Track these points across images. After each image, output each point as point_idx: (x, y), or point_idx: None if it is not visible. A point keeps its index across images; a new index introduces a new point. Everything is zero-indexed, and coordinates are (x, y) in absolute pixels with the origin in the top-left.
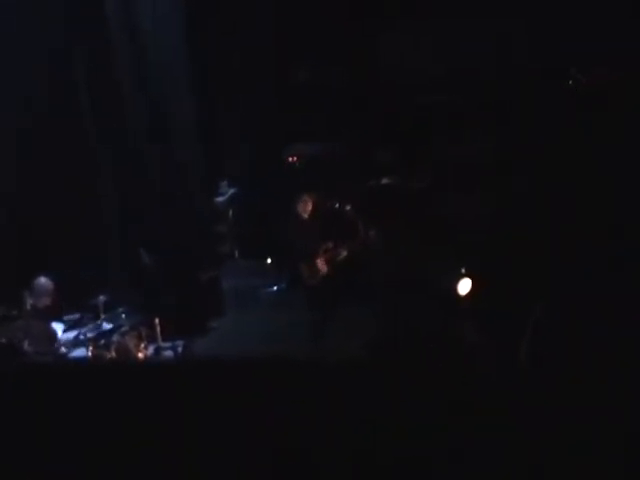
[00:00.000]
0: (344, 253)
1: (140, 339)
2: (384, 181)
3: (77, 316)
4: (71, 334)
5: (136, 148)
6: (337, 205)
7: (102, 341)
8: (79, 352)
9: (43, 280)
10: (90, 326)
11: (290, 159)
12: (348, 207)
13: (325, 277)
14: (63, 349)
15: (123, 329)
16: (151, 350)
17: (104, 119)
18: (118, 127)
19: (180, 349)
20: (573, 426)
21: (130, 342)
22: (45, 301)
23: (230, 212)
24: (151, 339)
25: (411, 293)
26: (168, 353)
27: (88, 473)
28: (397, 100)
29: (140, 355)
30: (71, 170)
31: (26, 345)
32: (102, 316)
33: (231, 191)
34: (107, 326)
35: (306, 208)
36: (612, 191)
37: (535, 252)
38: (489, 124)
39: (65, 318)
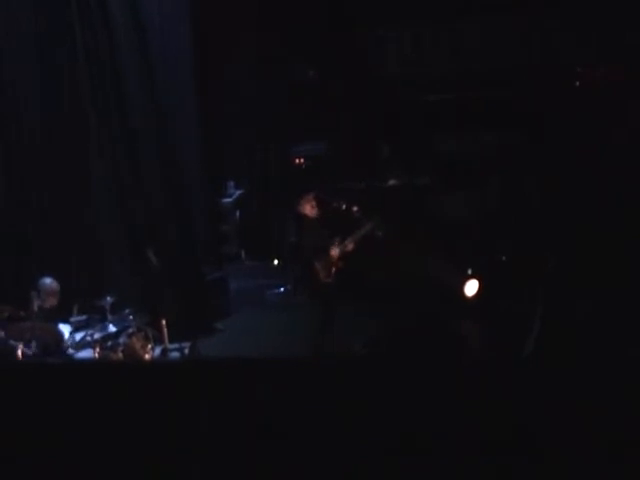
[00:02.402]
0: (351, 246)
1: (147, 340)
2: (391, 182)
3: (84, 317)
4: (78, 335)
5: (142, 149)
6: (344, 206)
7: (109, 343)
8: (86, 353)
9: (49, 281)
10: (97, 327)
11: (297, 160)
12: (355, 208)
13: (338, 273)
14: (70, 350)
15: (130, 330)
16: (158, 351)
17: (108, 119)
18: (122, 127)
19: (187, 350)
20: (574, 426)
21: (137, 344)
22: (51, 302)
23: (237, 213)
24: (158, 340)
25: (415, 293)
26: (175, 354)
27: (88, 473)
28: (399, 99)
29: (147, 356)
30: (78, 171)
31: (33, 346)
32: (109, 317)
33: (238, 192)
34: (114, 328)
35: (312, 209)
36: (613, 190)
37: (539, 252)
38: (490, 124)
39: (72, 319)
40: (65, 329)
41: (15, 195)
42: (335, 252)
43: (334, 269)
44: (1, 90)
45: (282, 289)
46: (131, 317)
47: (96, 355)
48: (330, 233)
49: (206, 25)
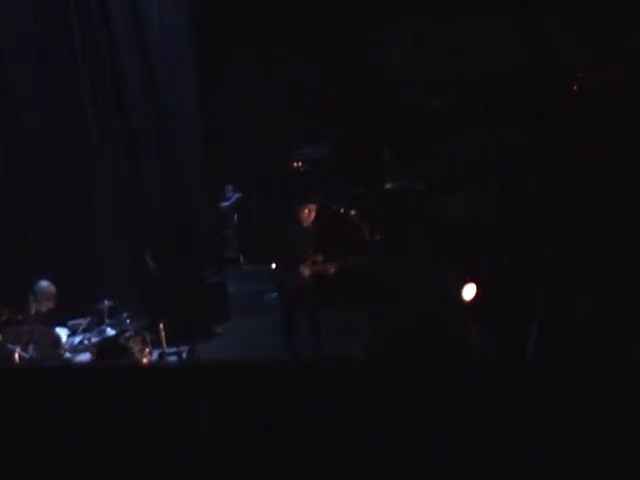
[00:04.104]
0: (332, 270)
1: (145, 344)
2: (388, 185)
3: (81, 321)
4: (75, 339)
5: (142, 149)
6: (342, 210)
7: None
8: (83, 357)
9: (45, 284)
10: (94, 331)
11: (295, 164)
12: (353, 212)
13: (305, 286)
14: (67, 354)
15: (127, 334)
16: (155, 355)
17: (108, 119)
18: (122, 127)
19: (185, 354)
20: (574, 426)
21: (135, 347)
22: (48, 305)
23: (235, 217)
24: (156, 344)
25: (415, 296)
26: (173, 358)
27: (89, 476)
28: (399, 100)
29: (144, 360)
30: (78, 171)
31: (30, 350)
32: (106, 321)
33: (236, 196)
34: (111, 331)
35: (308, 215)
36: (613, 190)
37: (539, 253)
38: (490, 124)
39: (69, 323)
40: (63, 333)
41: (15, 195)
42: (309, 269)
43: (301, 281)
44: (1, 90)
45: None
46: (129, 321)
47: (93, 359)
48: (317, 245)
49: (206, 25)
